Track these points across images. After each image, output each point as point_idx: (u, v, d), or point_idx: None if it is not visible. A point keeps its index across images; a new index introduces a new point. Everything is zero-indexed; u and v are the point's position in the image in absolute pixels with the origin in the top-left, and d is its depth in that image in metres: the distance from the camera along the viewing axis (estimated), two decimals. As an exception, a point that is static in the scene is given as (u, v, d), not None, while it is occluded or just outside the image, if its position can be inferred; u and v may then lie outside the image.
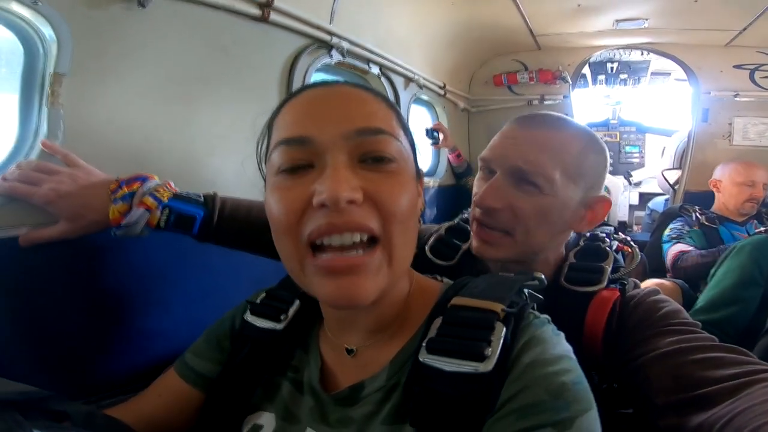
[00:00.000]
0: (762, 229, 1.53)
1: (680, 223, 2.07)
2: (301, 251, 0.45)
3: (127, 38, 0.84)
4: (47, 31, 0.73)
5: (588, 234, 0.78)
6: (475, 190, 0.75)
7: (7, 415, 0.38)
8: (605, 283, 0.69)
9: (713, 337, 0.60)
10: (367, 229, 0.43)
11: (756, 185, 2.02)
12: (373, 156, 0.45)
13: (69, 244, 0.74)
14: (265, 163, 0.51)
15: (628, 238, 0.81)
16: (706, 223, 2.03)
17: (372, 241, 0.44)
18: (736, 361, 0.54)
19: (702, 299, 1.47)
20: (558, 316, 0.57)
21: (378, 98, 0.49)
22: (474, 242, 0.74)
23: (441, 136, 2.36)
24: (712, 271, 1.57)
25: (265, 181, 0.52)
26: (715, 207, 2.13)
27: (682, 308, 0.67)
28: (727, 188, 2.08)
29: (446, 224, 0.85)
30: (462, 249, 0.80)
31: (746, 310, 1.38)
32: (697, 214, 2.07)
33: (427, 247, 0.80)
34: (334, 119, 0.45)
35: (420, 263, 0.76)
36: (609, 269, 0.71)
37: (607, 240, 0.77)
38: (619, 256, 0.77)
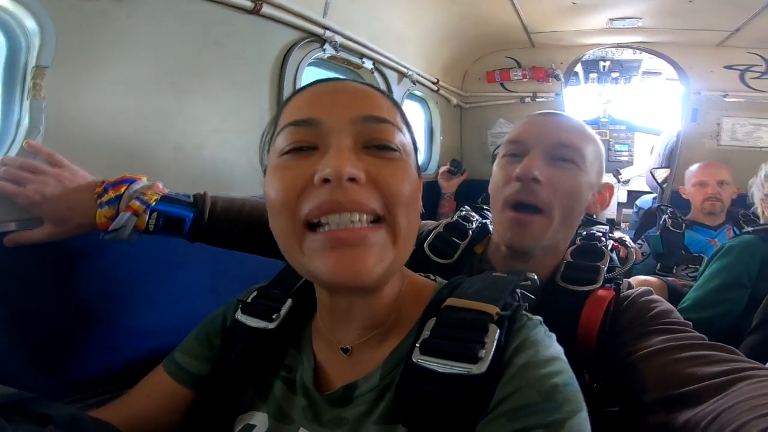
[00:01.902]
0: (750, 228, 1.52)
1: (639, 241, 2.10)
2: (298, 230, 0.44)
3: (114, 30, 0.82)
4: (30, 24, 0.72)
5: (584, 233, 0.79)
6: (500, 172, 0.76)
7: None
8: (601, 283, 0.70)
9: (703, 336, 0.61)
10: (369, 209, 0.43)
11: (708, 184, 2.05)
12: (377, 144, 0.46)
13: (54, 242, 0.72)
14: (268, 151, 0.51)
15: (625, 237, 0.82)
16: (671, 228, 2.04)
17: (375, 220, 0.44)
18: (723, 359, 0.55)
19: (687, 298, 1.47)
20: (553, 315, 0.57)
21: (384, 96, 0.51)
22: (507, 232, 0.72)
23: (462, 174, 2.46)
24: (701, 270, 1.56)
25: (264, 171, 0.51)
26: (691, 212, 2.16)
27: (674, 308, 0.68)
28: (689, 192, 2.14)
29: (444, 221, 0.84)
30: (461, 247, 0.79)
31: (731, 312, 1.37)
32: (667, 216, 2.08)
33: (425, 245, 0.79)
34: (342, 105, 0.46)
35: (418, 260, 0.75)
36: (605, 269, 0.71)
37: (603, 239, 0.77)
38: (614, 255, 0.78)
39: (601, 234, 0.79)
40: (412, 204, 0.47)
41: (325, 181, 0.42)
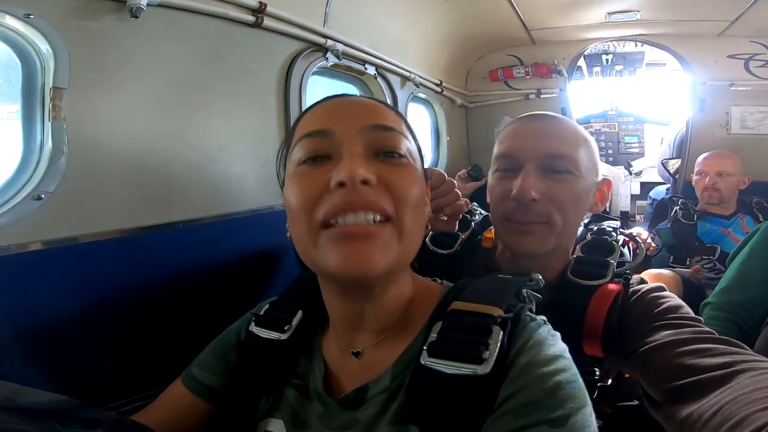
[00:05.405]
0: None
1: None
2: (314, 230, 0.47)
3: (122, 49, 0.85)
4: (43, 45, 0.74)
5: (595, 228, 0.80)
6: (496, 188, 0.76)
7: (45, 424, 0.40)
8: (609, 277, 0.70)
9: (711, 330, 0.61)
10: (381, 209, 0.46)
11: (706, 175, 2.06)
12: (386, 150, 0.50)
13: (80, 256, 0.76)
14: (284, 168, 0.55)
15: (640, 232, 0.82)
16: (682, 220, 2.03)
17: (384, 220, 0.47)
18: (726, 352, 0.55)
19: (728, 278, 1.34)
20: (562, 309, 0.57)
21: (389, 108, 0.55)
22: (510, 240, 0.73)
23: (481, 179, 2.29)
24: (733, 252, 1.44)
25: (281, 187, 0.55)
26: (699, 202, 2.15)
27: (684, 304, 0.67)
28: (695, 181, 2.15)
29: None
30: (461, 238, 0.81)
31: None
32: (678, 208, 2.07)
33: (427, 239, 0.81)
34: (352, 116, 0.51)
35: (421, 254, 0.77)
36: (614, 263, 0.72)
37: (614, 234, 0.77)
38: (626, 250, 0.78)
39: (611, 229, 0.79)
40: (419, 206, 0.51)
41: (340, 185, 0.45)
